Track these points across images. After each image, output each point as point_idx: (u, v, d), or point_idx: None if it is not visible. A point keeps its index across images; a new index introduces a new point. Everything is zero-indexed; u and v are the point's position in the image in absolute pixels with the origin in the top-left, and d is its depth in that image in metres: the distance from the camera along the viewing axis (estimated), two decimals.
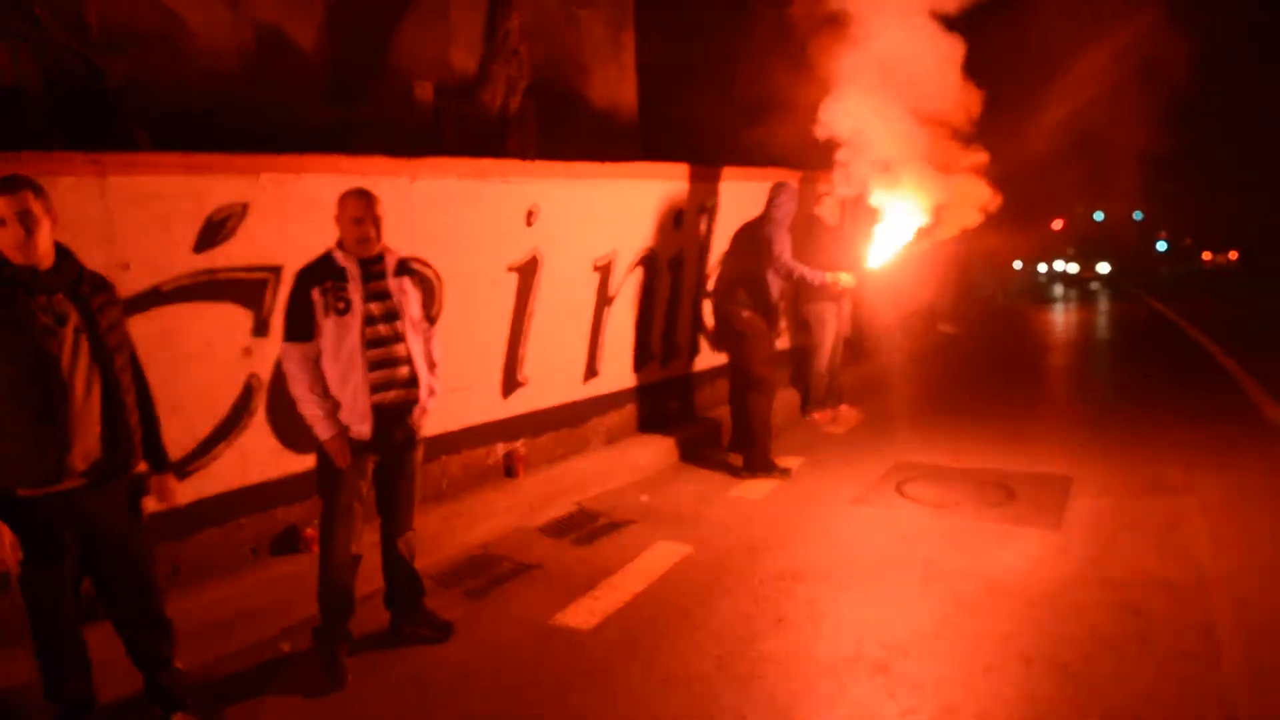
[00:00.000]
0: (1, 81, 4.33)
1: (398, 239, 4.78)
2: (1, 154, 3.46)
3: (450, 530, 4.92)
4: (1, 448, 2.79)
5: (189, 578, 4.07)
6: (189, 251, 4.01)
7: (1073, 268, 29.42)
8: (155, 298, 3.91)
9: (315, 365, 3.59)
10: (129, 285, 3.79)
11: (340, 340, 3.57)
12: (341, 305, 3.56)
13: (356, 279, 3.60)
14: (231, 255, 4.15)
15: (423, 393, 3.78)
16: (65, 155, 3.68)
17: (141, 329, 3.74)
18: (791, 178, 7.74)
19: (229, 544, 4.25)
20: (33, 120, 4.45)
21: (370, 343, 3.61)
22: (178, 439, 3.94)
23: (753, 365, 6.34)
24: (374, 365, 3.62)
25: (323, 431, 3.61)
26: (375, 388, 3.63)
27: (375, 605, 4.06)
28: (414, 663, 3.82)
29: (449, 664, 3.80)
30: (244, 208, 4.17)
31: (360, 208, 3.61)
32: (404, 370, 3.70)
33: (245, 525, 4.32)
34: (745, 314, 6.32)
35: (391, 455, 3.79)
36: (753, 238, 6.40)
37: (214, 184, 4.07)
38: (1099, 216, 32.31)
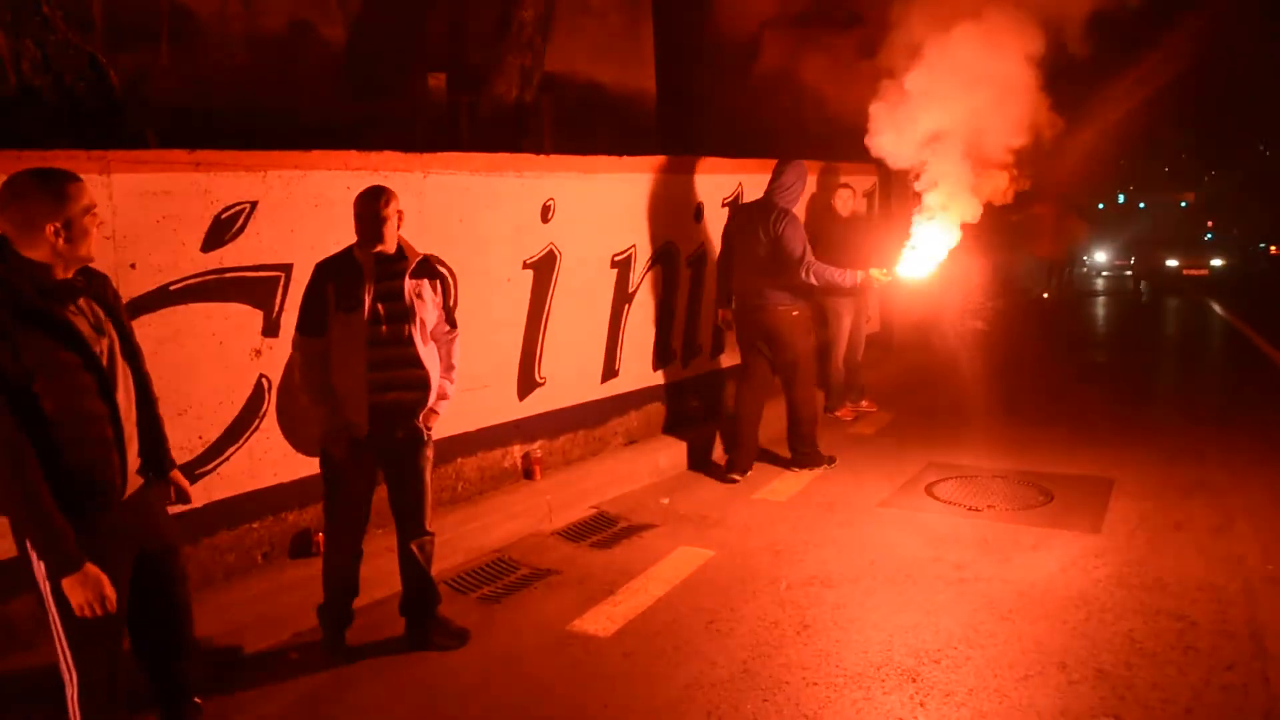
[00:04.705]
0: (8, 81, 4.28)
1: (411, 235, 4.69)
2: (4, 152, 3.39)
3: (465, 534, 4.82)
4: (74, 478, 2.51)
5: (198, 584, 3.98)
6: (196, 250, 3.94)
7: (1172, 261, 21.21)
8: (162, 298, 3.84)
9: (323, 360, 3.60)
10: (136, 285, 3.73)
11: (346, 337, 3.55)
12: (351, 303, 3.54)
13: (369, 277, 3.56)
14: (240, 254, 4.08)
15: (431, 395, 3.72)
16: (69, 153, 3.61)
17: (149, 330, 3.68)
18: (813, 166, 7.59)
19: (239, 548, 4.18)
20: (41, 119, 4.40)
21: (374, 342, 3.57)
22: (187, 442, 3.89)
23: (796, 362, 6.06)
24: (375, 365, 3.58)
25: (319, 425, 3.65)
26: (374, 387, 3.59)
27: (391, 610, 3.97)
28: (428, 670, 3.72)
29: (464, 671, 3.70)
30: (252, 205, 4.10)
31: (366, 205, 3.58)
32: (407, 372, 3.64)
33: (256, 529, 4.25)
34: (795, 312, 5.98)
35: (392, 455, 3.74)
36: (760, 234, 5.90)
37: (222, 181, 4.01)
38: (1139, 205, 30.09)
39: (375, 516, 3.94)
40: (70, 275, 2.56)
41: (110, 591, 2.52)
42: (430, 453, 3.85)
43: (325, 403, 3.61)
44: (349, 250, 3.64)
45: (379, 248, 3.59)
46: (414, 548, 3.85)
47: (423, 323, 3.66)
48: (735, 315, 6.27)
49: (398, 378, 3.62)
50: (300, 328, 3.63)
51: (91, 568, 2.49)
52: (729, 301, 6.33)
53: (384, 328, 3.57)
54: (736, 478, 6.06)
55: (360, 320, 3.54)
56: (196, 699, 3.00)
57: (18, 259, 2.47)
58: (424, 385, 3.68)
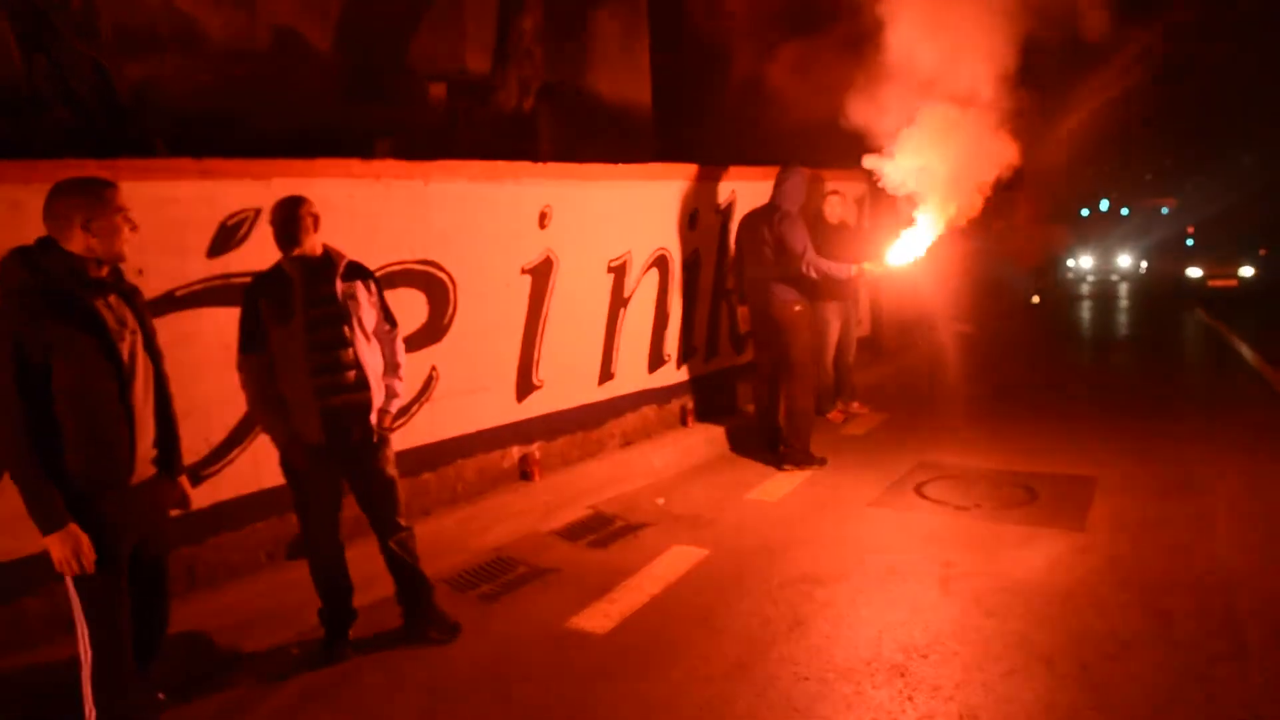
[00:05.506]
0: (18, 90, 4.36)
1: (412, 242, 4.82)
2: (17, 162, 3.48)
3: (465, 534, 4.91)
4: (83, 451, 2.73)
5: (204, 581, 4.09)
6: (203, 257, 4.03)
7: (1194, 270, 18.15)
8: (170, 303, 3.92)
9: (267, 375, 3.69)
10: (144, 290, 3.77)
11: (286, 349, 3.64)
12: (283, 314, 3.63)
13: (299, 286, 3.65)
14: (245, 260, 4.14)
15: (375, 396, 3.79)
16: (79, 162, 3.68)
17: (156, 335, 3.76)
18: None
19: (243, 548, 4.26)
20: (52, 129, 4.48)
21: (312, 349, 3.65)
22: (193, 444, 3.94)
23: (794, 356, 6.34)
24: (317, 371, 3.66)
25: (275, 439, 3.73)
26: (320, 392, 3.67)
27: (394, 606, 4.04)
28: (428, 665, 3.80)
29: (463, 667, 3.79)
30: (257, 213, 4.17)
31: (279, 211, 3.67)
32: (350, 374, 3.72)
33: (260, 529, 4.32)
34: (797, 307, 6.31)
35: (352, 459, 3.81)
36: (765, 234, 6.29)
37: (227, 189, 4.09)
38: (1125, 211, 29.86)
39: None
40: (104, 274, 2.78)
41: (90, 552, 2.68)
42: (390, 452, 3.92)
43: (278, 417, 3.69)
44: (278, 264, 3.71)
45: (297, 251, 3.66)
46: (393, 546, 3.93)
47: (361, 323, 3.74)
48: (749, 312, 6.64)
49: (341, 380, 3.70)
50: (242, 346, 3.71)
51: (74, 527, 2.67)
52: (745, 299, 6.71)
53: (319, 333, 3.66)
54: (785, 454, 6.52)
55: (295, 329, 3.62)
56: (160, 695, 3.13)
57: (60, 253, 2.72)
58: (366, 386, 3.75)
